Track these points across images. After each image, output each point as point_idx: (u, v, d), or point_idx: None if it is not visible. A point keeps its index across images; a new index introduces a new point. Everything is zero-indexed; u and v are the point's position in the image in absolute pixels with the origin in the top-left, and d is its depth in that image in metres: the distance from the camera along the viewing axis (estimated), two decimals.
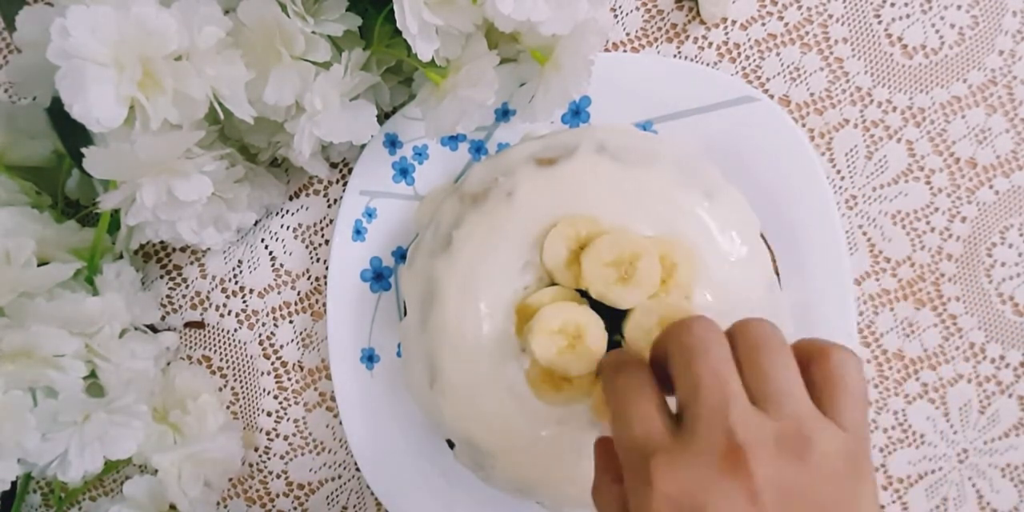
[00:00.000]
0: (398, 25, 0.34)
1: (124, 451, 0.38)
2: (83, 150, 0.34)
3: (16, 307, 0.37)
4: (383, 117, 0.42)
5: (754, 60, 0.45)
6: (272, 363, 0.47)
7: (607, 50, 0.46)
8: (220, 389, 0.47)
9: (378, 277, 0.44)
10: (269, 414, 0.47)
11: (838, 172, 0.45)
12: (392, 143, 0.44)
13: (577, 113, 0.43)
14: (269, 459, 0.47)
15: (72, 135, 0.38)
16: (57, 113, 0.38)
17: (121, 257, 0.44)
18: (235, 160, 0.41)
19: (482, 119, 0.42)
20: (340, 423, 0.45)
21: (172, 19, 0.33)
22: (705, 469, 0.25)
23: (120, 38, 0.32)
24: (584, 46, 0.36)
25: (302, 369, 0.47)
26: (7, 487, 0.37)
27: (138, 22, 0.32)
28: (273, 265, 0.47)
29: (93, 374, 0.39)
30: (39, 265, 0.39)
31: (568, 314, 0.36)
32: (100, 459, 0.38)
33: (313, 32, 0.36)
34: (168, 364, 0.47)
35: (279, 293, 0.47)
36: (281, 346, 0.47)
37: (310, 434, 0.47)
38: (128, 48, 0.32)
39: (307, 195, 0.47)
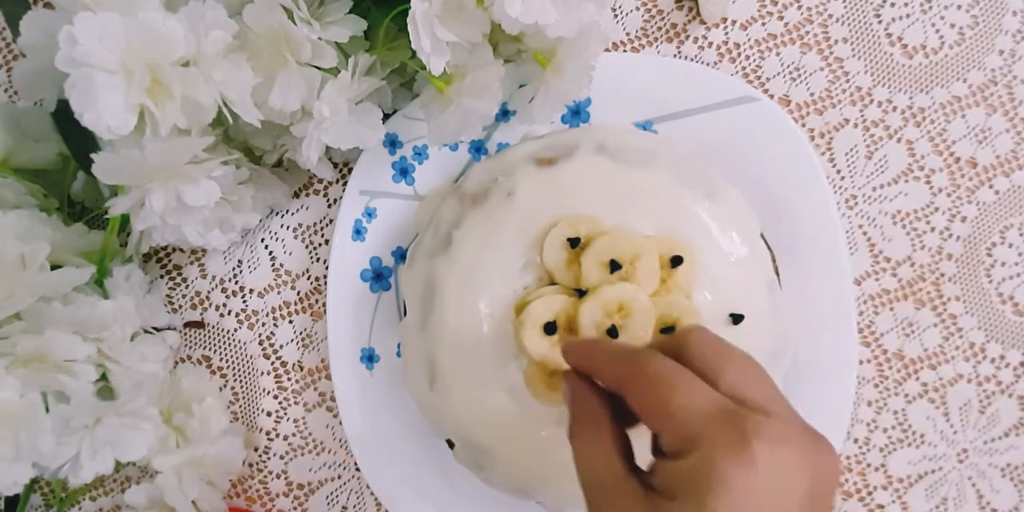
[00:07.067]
0: (413, 46, 0.34)
1: (135, 453, 0.38)
2: (93, 156, 0.34)
3: (33, 311, 0.37)
4: (383, 117, 0.42)
5: (754, 60, 0.45)
6: (272, 363, 0.47)
7: (607, 50, 0.46)
8: (220, 389, 0.47)
9: (378, 277, 0.44)
10: (269, 414, 0.47)
11: (838, 172, 0.45)
12: (392, 143, 0.44)
13: (577, 113, 0.43)
14: (269, 459, 0.47)
15: (78, 139, 0.38)
16: (62, 117, 0.38)
17: (130, 260, 0.44)
18: (240, 162, 0.41)
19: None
20: (340, 423, 0.45)
21: (179, 25, 0.33)
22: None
23: (128, 45, 0.32)
24: (586, 51, 0.36)
25: (302, 369, 0.47)
26: (20, 490, 0.37)
27: (145, 29, 0.32)
28: (273, 265, 0.47)
29: (103, 377, 0.39)
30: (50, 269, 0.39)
31: (558, 307, 0.35)
32: (111, 461, 0.38)
33: (319, 38, 0.36)
34: (175, 366, 0.47)
35: (279, 293, 0.47)
36: (281, 346, 0.47)
37: (310, 434, 0.47)
38: (136, 55, 0.32)
39: (307, 195, 0.47)
